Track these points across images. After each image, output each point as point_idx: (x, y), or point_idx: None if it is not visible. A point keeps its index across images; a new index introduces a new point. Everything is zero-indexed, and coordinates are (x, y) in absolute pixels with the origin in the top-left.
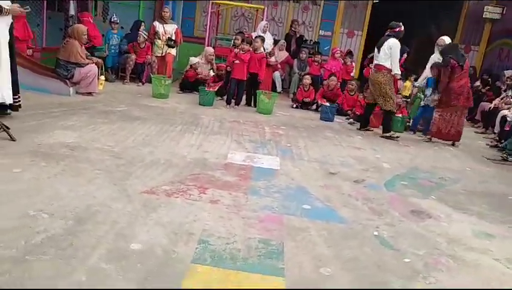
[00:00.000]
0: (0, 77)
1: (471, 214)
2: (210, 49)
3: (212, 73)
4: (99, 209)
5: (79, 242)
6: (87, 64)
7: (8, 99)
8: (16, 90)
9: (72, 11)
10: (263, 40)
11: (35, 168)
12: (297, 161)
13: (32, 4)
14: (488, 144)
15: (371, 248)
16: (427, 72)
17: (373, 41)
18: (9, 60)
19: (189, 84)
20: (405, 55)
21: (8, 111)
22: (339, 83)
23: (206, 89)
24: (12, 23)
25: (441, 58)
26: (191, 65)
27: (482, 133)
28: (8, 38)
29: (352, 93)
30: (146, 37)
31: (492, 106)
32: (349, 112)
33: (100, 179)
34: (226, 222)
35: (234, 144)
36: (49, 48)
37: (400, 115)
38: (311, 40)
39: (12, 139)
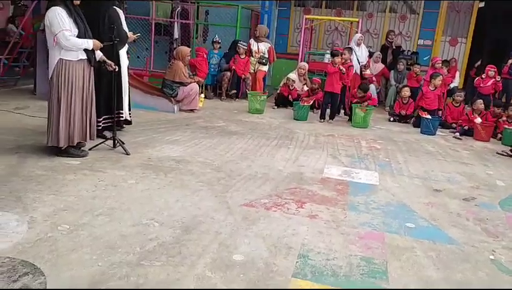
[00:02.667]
0: (124, 98)
1: None
2: (303, 64)
3: (305, 88)
4: (203, 220)
5: (186, 250)
6: (190, 83)
7: (127, 115)
8: (128, 107)
9: (176, 35)
10: (351, 51)
11: (147, 180)
12: (398, 177)
13: (142, 30)
14: None
15: (487, 272)
16: None
17: (479, 48)
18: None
19: (284, 99)
20: None
21: (124, 126)
22: (442, 94)
23: (300, 103)
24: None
25: None
26: (287, 80)
27: None
28: (127, 62)
29: (457, 105)
30: (246, 48)
31: None
32: (453, 124)
33: (203, 191)
34: (325, 238)
35: (330, 158)
36: (156, 71)
37: None
38: (408, 51)
39: (127, 153)
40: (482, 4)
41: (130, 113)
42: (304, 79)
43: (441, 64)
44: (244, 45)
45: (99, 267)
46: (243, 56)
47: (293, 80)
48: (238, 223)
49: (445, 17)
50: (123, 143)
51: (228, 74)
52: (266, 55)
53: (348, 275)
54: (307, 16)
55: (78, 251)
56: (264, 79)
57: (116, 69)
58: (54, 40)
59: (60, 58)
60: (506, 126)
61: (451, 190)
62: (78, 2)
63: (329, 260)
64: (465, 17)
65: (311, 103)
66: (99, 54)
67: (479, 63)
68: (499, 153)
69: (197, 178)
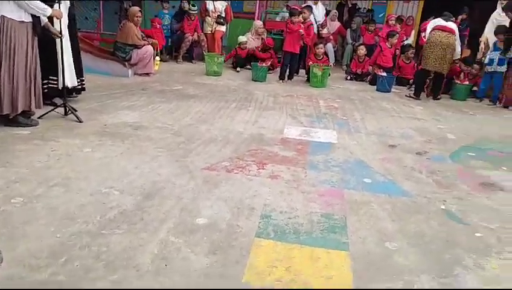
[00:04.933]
0: (65, 63)
1: None
2: (259, 23)
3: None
4: (164, 185)
5: (148, 217)
6: (144, 45)
7: (71, 83)
8: (80, 73)
9: None
10: (310, 9)
11: (103, 148)
12: (355, 134)
13: None
14: None
15: (438, 222)
16: (486, 32)
17: (432, 6)
18: (69, 46)
19: (242, 60)
20: (464, 16)
21: (74, 94)
22: (397, 50)
23: (258, 64)
24: (71, 7)
25: (502, 15)
26: (239, 44)
27: None
28: (67, 22)
29: (407, 62)
30: (194, 9)
31: None
32: (411, 81)
33: (162, 157)
34: (287, 197)
35: (289, 118)
36: (106, 33)
37: (466, 82)
38: (364, 9)
39: (79, 120)
40: None
41: (82, 80)
42: (262, 38)
43: (394, 22)
44: (193, 10)
45: (58, 239)
46: (193, 18)
47: (244, 42)
48: (199, 187)
49: None
50: (75, 110)
51: (190, 37)
52: (223, 15)
53: (309, 231)
54: None
55: (34, 223)
56: (221, 39)
57: (63, 37)
58: None
59: (2, 16)
60: (457, 82)
61: (405, 145)
62: None
63: (291, 219)
64: None
65: (269, 64)
66: (44, 19)
67: (431, 19)
68: (406, 96)
69: (156, 144)
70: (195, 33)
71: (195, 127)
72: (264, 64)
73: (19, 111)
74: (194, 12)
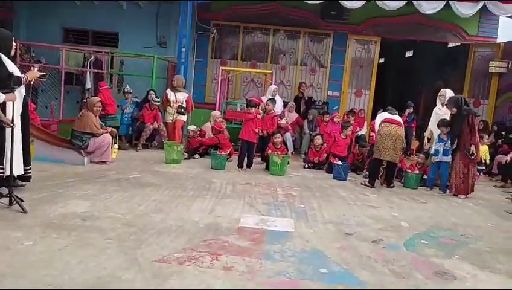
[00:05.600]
0: (15, 150)
1: (499, 273)
2: (217, 113)
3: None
4: (109, 280)
5: None
6: (102, 133)
7: (18, 171)
8: (26, 162)
9: (88, 85)
10: (274, 102)
11: (47, 241)
12: (312, 222)
13: (50, 78)
14: (508, 198)
15: None
16: (431, 126)
17: (382, 99)
18: (20, 134)
19: (194, 149)
20: (411, 110)
21: (21, 183)
22: (351, 140)
23: (217, 152)
24: (25, 97)
25: (443, 110)
26: (188, 132)
27: (501, 187)
28: (21, 110)
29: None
30: (157, 101)
31: (508, 158)
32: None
33: (111, 249)
34: None
35: (247, 207)
36: (66, 120)
37: (416, 172)
38: (320, 101)
39: (24, 211)
40: (382, 60)
41: (28, 169)
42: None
43: (339, 119)
44: (155, 101)
45: None
46: (153, 108)
47: (192, 130)
48: (148, 281)
49: (350, 71)
50: (21, 200)
51: (151, 126)
52: (184, 105)
53: None
54: (224, 68)
55: None
56: (182, 128)
57: (15, 126)
58: None
59: None
60: (408, 171)
61: (361, 233)
62: None
63: None
64: (367, 71)
65: (228, 152)
66: None
67: (380, 112)
68: (362, 184)
69: (105, 235)
70: (155, 122)
71: (149, 216)
72: (223, 153)
73: None
74: (156, 104)
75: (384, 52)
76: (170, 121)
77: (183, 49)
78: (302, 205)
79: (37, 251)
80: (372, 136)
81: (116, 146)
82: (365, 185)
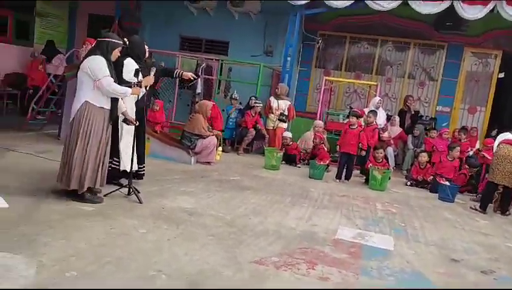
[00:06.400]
0: (123, 147)
1: None
2: (319, 122)
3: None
4: (211, 275)
5: None
6: (209, 136)
7: (128, 167)
8: (142, 161)
9: (199, 89)
10: (375, 114)
11: (158, 231)
12: (413, 243)
13: (167, 84)
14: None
15: None
16: None
17: (499, 117)
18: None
19: (288, 157)
20: None
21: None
22: (460, 161)
23: (316, 162)
24: (143, 100)
25: None
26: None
27: None
28: (135, 109)
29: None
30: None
31: None
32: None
33: (212, 245)
34: None
35: (344, 219)
36: (177, 121)
37: None
38: (427, 116)
39: (140, 202)
40: (501, 75)
41: (142, 167)
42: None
43: (448, 136)
44: (258, 103)
45: None
46: (253, 114)
47: (286, 138)
48: (246, 281)
49: (464, 85)
50: (138, 192)
51: (253, 132)
52: (286, 113)
53: None
54: (327, 78)
55: None
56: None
57: (137, 124)
58: (96, 84)
59: (86, 101)
60: None
61: (469, 260)
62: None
63: None
64: (484, 86)
65: (327, 162)
66: (122, 108)
67: (495, 131)
68: (471, 208)
69: (208, 231)
70: (257, 126)
71: (248, 218)
72: (322, 163)
73: (85, 189)
74: (258, 104)
75: (505, 66)
76: (271, 128)
77: (289, 58)
78: (402, 224)
79: (149, 239)
80: (484, 156)
81: (220, 149)
82: (475, 209)
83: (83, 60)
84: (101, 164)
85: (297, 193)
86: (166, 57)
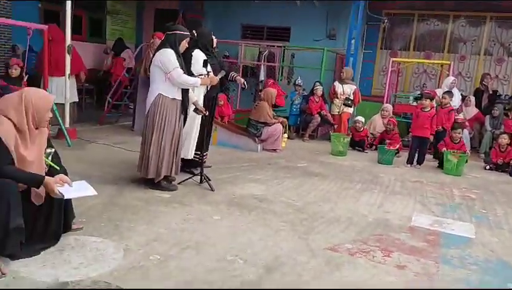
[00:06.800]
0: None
1: None
2: (388, 106)
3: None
4: (285, 260)
5: None
6: (274, 123)
7: (191, 155)
8: (206, 149)
9: (262, 77)
10: (451, 95)
11: (231, 217)
12: (497, 230)
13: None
14: None
15: None
16: None
17: None
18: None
19: (356, 142)
20: None
21: (210, 165)
22: None
23: (385, 147)
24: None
25: None
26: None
27: None
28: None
29: None
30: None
31: None
32: None
33: (285, 231)
34: None
35: (418, 205)
36: (241, 109)
37: None
38: (506, 95)
39: (212, 189)
40: None
41: (204, 155)
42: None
43: None
44: (317, 85)
45: None
46: (317, 100)
47: (362, 122)
48: (321, 267)
49: None
50: (209, 179)
51: (318, 118)
52: (351, 97)
53: None
54: (394, 59)
55: (168, 281)
56: (347, 121)
57: (207, 113)
58: (167, 76)
59: (160, 94)
60: None
61: None
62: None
63: None
64: None
65: (396, 147)
66: (193, 98)
67: None
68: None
69: (280, 218)
70: (322, 111)
71: (318, 205)
72: (391, 148)
73: (162, 177)
74: (318, 87)
75: None
76: (336, 114)
77: (353, 41)
78: (483, 210)
79: (224, 225)
80: None
81: (285, 135)
82: None
83: (154, 53)
84: (175, 153)
85: (366, 179)
86: (230, 46)
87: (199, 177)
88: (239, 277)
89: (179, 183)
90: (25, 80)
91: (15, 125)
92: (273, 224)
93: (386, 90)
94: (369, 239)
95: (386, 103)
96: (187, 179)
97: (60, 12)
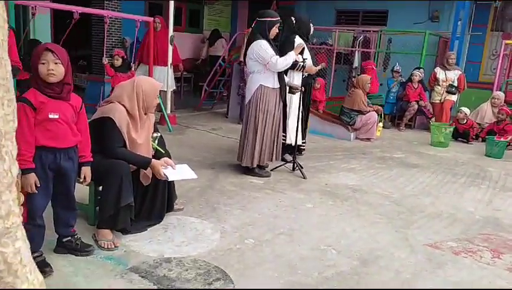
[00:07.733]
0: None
1: None
2: (499, 94)
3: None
4: (382, 254)
5: (364, 284)
6: (369, 111)
7: (292, 141)
8: (304, 135)
9: (356, 63)
10: None
11: (324, 206)
12: None
13: (321, 59)
14: None
15: None
16: None
17: None
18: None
19: (459, 133)
20: None
21: (302, 153)
22: None
23: (495, 138)
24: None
25: None
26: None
27: None
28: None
29: None
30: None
31: None
32: None
33: (381, 224)
34: None
35: None
36: (334, 97)
37: None
38: None
39: (304, 177)
40: None
41: (304, 142)
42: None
43: None
44: (415, 71)
45: (280, 285)
46: (416, 86)
47: (466, 113)
48: (421, 264)
49: None
50: (301, 167)
51: (416, 106)
52: (455, 84)
53: None
54: (507, 41)
55: (262, 265)
56: (450, 109)
57: (302, 90)
58: (266, 66)
59: (261, 84)
60: None
61: None
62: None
63: None
64: None
65: (508, 138)
66: (286, 79)
67: None
68: None
69: (375, 209)
70: (421, 100)
71: (417, 198)
72: (502, 139)
73: (264, 163)
74: (415, 73)
75: None
76: (438, 102)
77: (460, 22)
78: None
79: (316, 214)
80: None
81: (380, 124)
82: None
83: (247, 43)
84: (276, 140)
85: (472, 173)
86: (323, 32)
87: (292, 164)
88: (333, 267)
89: (271, 170)
90: (133, 69)
91: (127, 111)
92: (368, 216)
93: (497, 76)
94: (476, 238)
95: (497, 90)
96: (280, 166)
97: (162, 5)
